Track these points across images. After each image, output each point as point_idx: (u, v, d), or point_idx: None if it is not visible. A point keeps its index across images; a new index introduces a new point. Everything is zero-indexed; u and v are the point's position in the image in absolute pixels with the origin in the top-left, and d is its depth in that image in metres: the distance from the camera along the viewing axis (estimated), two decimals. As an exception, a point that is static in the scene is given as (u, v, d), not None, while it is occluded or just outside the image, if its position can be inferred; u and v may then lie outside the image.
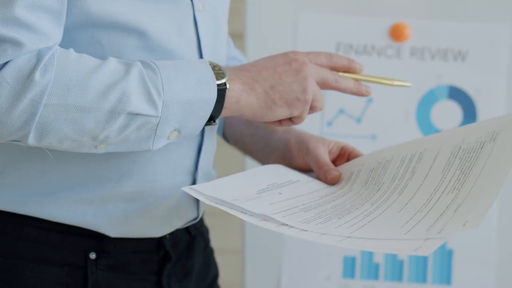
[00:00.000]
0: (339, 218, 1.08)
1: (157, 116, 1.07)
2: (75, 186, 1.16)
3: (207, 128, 1.21)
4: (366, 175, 1.20)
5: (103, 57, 1.10)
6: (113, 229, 1.20)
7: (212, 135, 1.26)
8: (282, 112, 1.16)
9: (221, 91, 1.11)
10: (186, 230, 1.32)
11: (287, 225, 1.06)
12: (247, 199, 1.10)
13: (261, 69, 1.16)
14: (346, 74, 1.22)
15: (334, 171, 1.26)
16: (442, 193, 1.07)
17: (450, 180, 1.07)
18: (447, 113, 1.79)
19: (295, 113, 1.17)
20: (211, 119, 1.13)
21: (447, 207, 1.05)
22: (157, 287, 1.26)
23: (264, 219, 1.08)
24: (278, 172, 1.14)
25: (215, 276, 1.43)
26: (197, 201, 1.26)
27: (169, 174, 1.19)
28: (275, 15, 1.81)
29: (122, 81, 1.05)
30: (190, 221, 1.28)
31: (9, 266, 1.18)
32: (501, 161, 1.03)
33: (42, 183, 1.16)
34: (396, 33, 1.80)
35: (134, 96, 1.05)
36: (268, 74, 1.16)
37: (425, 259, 1.83)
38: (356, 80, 1.23)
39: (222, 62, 1.25)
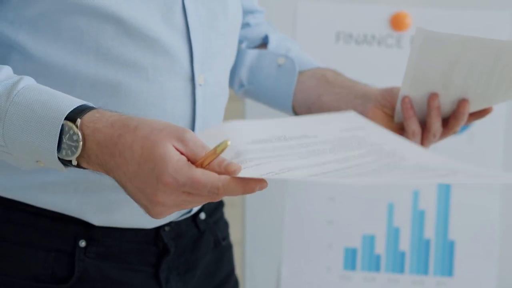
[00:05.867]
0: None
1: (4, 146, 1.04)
2: (60, 173, 1.15)
3: (198, 121, 1.19)
4: None
5: (82, 42, 1.10)
6: (98, 218, 1.19)
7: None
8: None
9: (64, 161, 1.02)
10: (194, 224, 1.31)
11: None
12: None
13: (123, 165, 0.97)
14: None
15: None
16: None
17: None
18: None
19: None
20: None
21: None
22: (154, 279, 1.25)
23: None
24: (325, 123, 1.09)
25: (229, 273, 1.41)
26: (190, 195, 1.25)
27: None
28: (275, 4, 1.80)
29: None
30: (184, 214, 1.27)
31: None
32: None
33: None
34: (396, 22, 1.78)
35: None
36: (123, 176, 0.98)
37: (427, 250, 1.83)
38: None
39: (218, 54, 1.23)
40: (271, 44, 1.42)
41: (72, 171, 1.06)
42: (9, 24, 1.12)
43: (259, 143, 1.05)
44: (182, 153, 0.94)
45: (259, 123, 1.07)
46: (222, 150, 0.93)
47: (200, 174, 0.93)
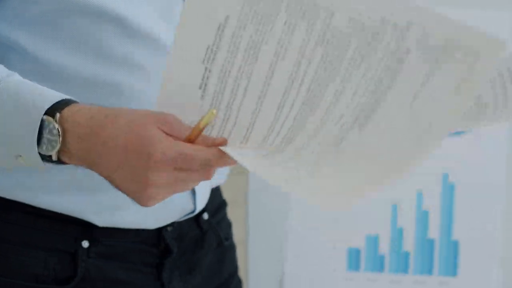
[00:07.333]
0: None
1: None
2: (63, 173, 1.15)
3: None
4: None
5: (82, 42, 1.10)
6: (100, 218, 1.18)
7: None
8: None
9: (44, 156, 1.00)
10: (197, 224, 1.30)
11: None
12: None
13: (108, 155, 0.97)
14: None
15: None
16: None
17: None
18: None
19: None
20: None
21: None
22: (157, 280, 1.25)
23: None
24: None
25: (232, 273, 1.41)
26: (194, 194, 1.25)
27: None
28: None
29: None
30: (187, 214, 1.26)
31: None
32: None
33: (29, 168, 1.15)
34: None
35: None
36: (109, 167, 0.97)
37: (431, 250, 1.82)
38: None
39: None
40: None
41: (74, 170, 1.06)
42: (8, 24, 1.12)
43: None
44: (167, 134, 0.95)
45: None
46: (209, 120, 0.94)
47: (189, 146, 0.93)
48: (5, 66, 1.13)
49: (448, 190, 1.82)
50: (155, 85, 1.14)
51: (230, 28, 0.91)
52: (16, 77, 1.04)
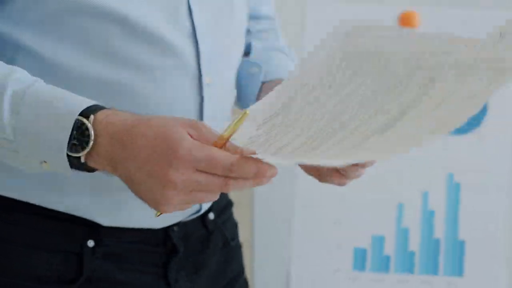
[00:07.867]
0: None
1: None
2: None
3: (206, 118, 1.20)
4: None
5: (88, 43, 1.10)
6: (107, 218, 1.19)
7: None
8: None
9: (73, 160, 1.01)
10: (202, 224, 1.30)
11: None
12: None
13: (134, 151, 0.97)
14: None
15: None
16: None
17: None
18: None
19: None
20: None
21: None
22: (163, 280, 1.25)
23: None
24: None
25: (238, 274, 1.41)
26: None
27: None
28: (283, 5, 1.79)
29: None
30: (192, 214, 1.27)
31: None
32: None
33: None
34: (405, 21, 1.78)
35: None
36: (132, 165, 0.98)
37: (436, 250, 1.82)
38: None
39: (225, 55, 1.23)
40: (253, 53, 1.40)
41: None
42: (14, 25, 1.12)
43: (264, 124, 1.06)
44: (195, 139, 0.95)
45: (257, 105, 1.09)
46: (242, 122, 0.94)
47: (216, 150, 0.94)
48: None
49: (454, 190, 1.82)
50: (160, 85, 1.15)
51: (306, 87, 0.93)
52: (43, 83, 1.05)
